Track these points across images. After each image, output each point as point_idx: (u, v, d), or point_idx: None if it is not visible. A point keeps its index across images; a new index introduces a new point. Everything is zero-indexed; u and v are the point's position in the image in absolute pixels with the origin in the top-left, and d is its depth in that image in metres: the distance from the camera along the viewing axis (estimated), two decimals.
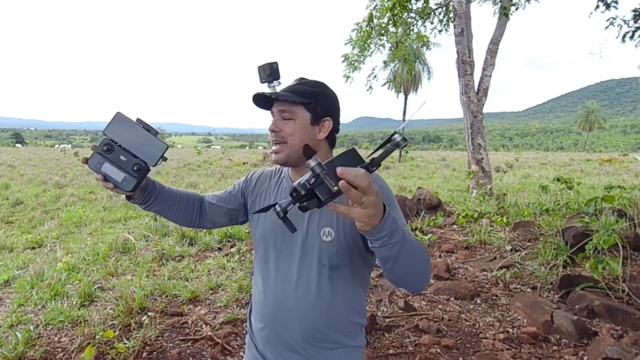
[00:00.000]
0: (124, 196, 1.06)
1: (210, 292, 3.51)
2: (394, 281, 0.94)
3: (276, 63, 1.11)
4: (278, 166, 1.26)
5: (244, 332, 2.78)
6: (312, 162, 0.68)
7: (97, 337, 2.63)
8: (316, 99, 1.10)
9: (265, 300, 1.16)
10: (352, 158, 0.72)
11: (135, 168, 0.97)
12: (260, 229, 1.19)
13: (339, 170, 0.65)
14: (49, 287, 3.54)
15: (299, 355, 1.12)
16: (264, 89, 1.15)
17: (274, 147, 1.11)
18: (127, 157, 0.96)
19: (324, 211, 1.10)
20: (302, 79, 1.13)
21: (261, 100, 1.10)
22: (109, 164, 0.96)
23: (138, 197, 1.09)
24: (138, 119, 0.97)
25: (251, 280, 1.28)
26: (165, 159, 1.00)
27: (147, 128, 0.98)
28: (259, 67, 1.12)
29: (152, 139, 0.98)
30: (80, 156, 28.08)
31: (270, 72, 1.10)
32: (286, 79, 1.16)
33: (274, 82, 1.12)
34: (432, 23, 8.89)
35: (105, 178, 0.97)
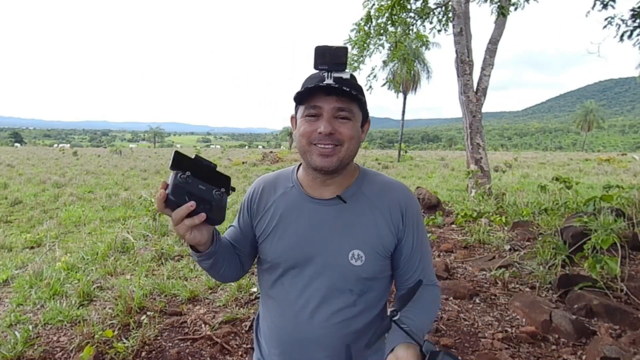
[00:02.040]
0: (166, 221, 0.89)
1: (210, 291, 3.51)
2: None
3: (345, 49, 0.89)
4: (287, 173, 1.09)
5: (243, 331, 2.79)
6: None
7: (96, 336, 2.62)
8: (364, 96, 0.95)
9: (282, 327, 1.03)
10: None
11: (217, 195, 0.85)
12: (274, 250, 1.02)
13: None
14: (48, 286, 3.53)
15: None
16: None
17: (322, 149, 0.91)
18: (206, 186, 0.84)
19: (354, 231, 0.98)
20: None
21: (306, 92, 0.90)
22: (191, 195, 0.83)
23: (210, 245, 0.91)
24: (197, 155, 0.86)
25: (253, 286, 1.16)
26: (233, 189, 0.89)
27: (208, 162, 0.86)
28: (319, 47, 0.89)
29: (216, 172, 0.86)
30: (80, 156, 27.91)
31: (335, 58, 0.89)
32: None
33: (337, 74, 0.90)
34: (431, 23, 8.89)
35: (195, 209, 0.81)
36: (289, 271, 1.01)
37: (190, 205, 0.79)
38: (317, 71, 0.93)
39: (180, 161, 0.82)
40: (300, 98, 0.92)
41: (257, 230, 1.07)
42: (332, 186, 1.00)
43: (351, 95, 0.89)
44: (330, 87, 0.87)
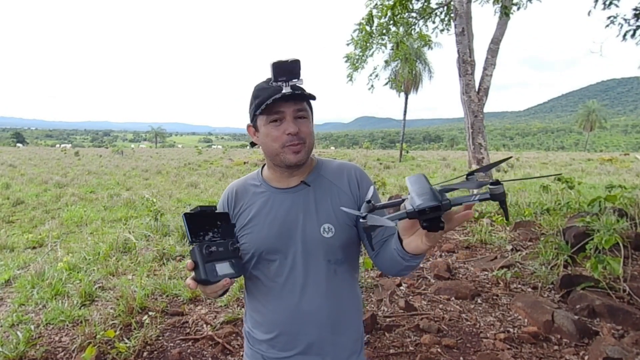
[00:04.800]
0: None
1: None
2: (388, 273, 1.17)
3: (298, 61, 1.01)
4: (252, 175, 1.22)
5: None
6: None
7: (97, 336, 2.63)
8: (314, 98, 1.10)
9: (275, 309, 1.12)
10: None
11: (232, 249, 0.98)
12: (254, 241, 1.12)
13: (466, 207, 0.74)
14: (50, 286, 3.54)
15: (317, 356, 1.12)
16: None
17: (293, 148, 1.05)
18: (222, 244, 0.96)
19: (321, 208, 1.11)
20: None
21: (272, 103, 1.02)
22: (218, 263, 0.94)
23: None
24: (198, 207, 0.96)
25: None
26: (231, 223, 1.03)
27: (209, 209, 0.97)
28: (276, 63, 1.00)
29: (218, 215, 0.98)
30: (81, 156, 28.04)
31: (291, 70, 1.01)
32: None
33: (294, 81, 1.02)
34: (433, 23, 8.88)
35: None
36: (273, 257, 1.11)
37: (226, 283, 0.93)
38: (263, 82, 1.07)
39: (193, 225, 0.92)
40: (265, 108, 1.03)
41: (237, 228, 1.16)
42: (296, 176, 1.14)
43: (306, 97, 1.05)
44: (292, 94, 1.01)
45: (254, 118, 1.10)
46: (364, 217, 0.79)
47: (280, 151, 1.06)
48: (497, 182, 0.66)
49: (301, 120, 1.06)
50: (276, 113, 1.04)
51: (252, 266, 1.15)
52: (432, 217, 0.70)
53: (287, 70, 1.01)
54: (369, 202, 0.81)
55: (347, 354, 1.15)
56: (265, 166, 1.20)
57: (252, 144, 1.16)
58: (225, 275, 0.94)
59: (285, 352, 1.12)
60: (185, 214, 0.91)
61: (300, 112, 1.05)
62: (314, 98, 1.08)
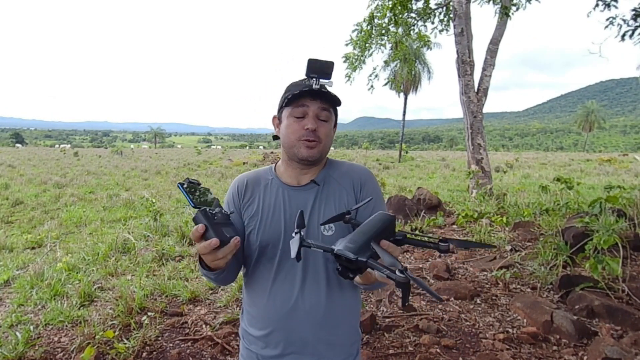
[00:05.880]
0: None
1: (210, 292, 3.51)
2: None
3: (332, 63, 1.07)
4: (265, 170, 1.24)
5: None
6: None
7: (97, 337, 2.63)
8: (340, 104, 1.15)
9: (272, 303, 1.13)
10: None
11: (226, 214, 0.94)
12: (259, 234, 1.14)
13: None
14: (49, 287, 3.54)
15: (312, 357, 1.12)
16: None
17: (308, 143, 1.08)
18: (221, 212, 0.92)
19: (325, 207, 1.14)
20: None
21: (299, 94, 1.06)
22: (223, 226, 0.90)
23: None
24: (187, 179, 0.91)
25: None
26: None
27: (196, 182, 0.92)
28: (312, 60, 1.06)
29: (202, 188, 0.93)
30: (81, 156, 27.95)
31: (324, 69, 1.07)
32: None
33: (324, 81, 1.08)
34: (432, 23, 8.89)
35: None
36: (275, 252, 1.12)
37: (237, 242, 0.88)
38: (298, 80, 1.12)
39: (198, 197, 0.89)
40: (292, 99, 1.08)
41: (244, 218, 1.18)
42: (307, 175, 1.17)
43: (332, 99, 1.09)
44: (319, 91, 1.05)
45: (280, 110, 1.15)
46: (348, 213, 0.96)
47: (295, 144, 1.10)
48: (403, 272, 0.68)
49: (322, 122, 1.10)
50: (301, 106, 1.08)
51: (255, 259, 1.16)
52: (346, 265, 0.75)
53: (319, 68, 1.06)
54: (348, 212, 0.97)
55: (343, 357, 1.15)
56: (280, 162, 1.23)
57: (275, 137, 1.19)
58: (233, 235, 0.89)
59: (279, 350, 1.12)
60: (181, 183, 0.89)
61: (324, 112, 1.10)
62: (339, 102, 1.12)
